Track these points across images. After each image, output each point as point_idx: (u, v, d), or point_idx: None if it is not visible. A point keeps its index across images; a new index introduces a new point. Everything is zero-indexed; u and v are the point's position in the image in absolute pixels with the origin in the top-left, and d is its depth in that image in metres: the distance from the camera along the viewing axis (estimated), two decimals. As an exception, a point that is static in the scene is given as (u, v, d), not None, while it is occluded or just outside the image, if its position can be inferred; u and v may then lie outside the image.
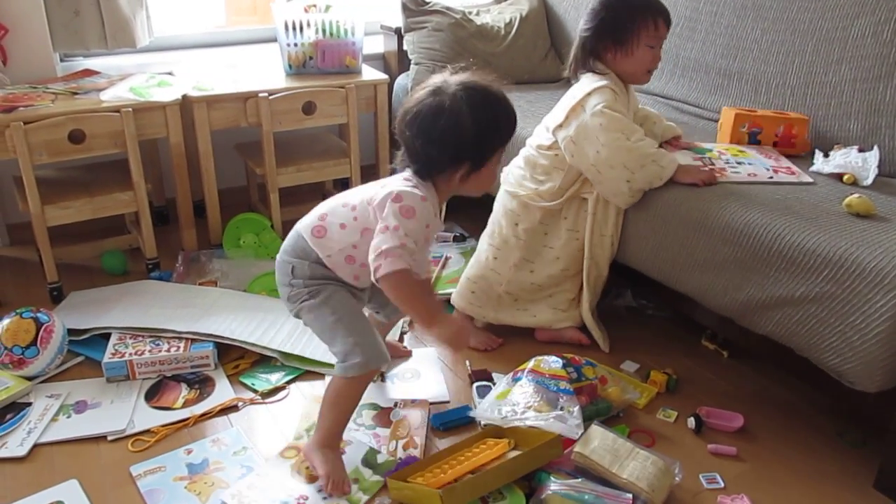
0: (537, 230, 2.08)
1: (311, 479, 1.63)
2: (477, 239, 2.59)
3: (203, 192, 2.57)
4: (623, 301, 2.35)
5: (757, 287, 1.73)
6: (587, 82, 1.97)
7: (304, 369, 2.00)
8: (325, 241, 1.60)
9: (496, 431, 1.72)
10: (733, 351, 2.13)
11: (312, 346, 2.02)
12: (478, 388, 1.93)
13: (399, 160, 1.62)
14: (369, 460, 1.70)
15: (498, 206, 2.16)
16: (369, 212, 1.56)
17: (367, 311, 1.84)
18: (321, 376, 1.99)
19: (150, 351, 1.96)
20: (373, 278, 1.50)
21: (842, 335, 1.58)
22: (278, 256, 1.68)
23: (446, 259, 2.55)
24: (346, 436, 1.72)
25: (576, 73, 2.04)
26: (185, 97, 2.43)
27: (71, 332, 2.06)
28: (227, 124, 2.50)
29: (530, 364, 1.83)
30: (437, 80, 1.55)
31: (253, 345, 2.01)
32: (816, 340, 1.63)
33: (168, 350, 1.96)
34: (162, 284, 2.37)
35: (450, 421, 1.82)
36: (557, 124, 1.99)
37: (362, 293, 1.71)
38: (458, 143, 1.51)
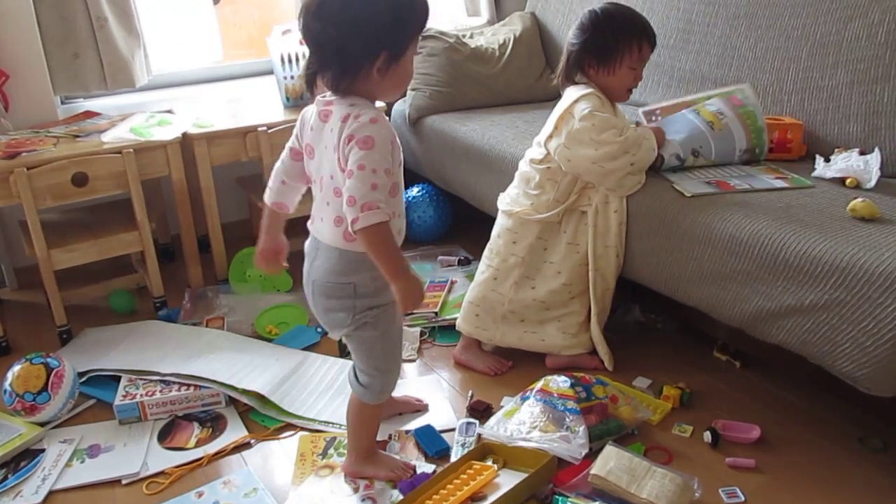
0: (536, 246, 2.08)
1: (354, 490, 1.69)
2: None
3: (207, 227, 2.58)
4: (631, 317, 2.34)
5: (765, 297, 1.72)
6: (572, 92, 2.00)
7: (281, 420, 1.93)
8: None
9: (479, 453, 1.72)
10: (746, 361, 2.11)
11: (292, 395, 2.00)
12: (464, 423, 1.88)
13: (304, 73, 1.44)
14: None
15: (495, 227, 2.17)
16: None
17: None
18: (332, 407, 1.98)
19: (160, 391, 1.96)
20: (350, 229, 1.40)
21: (854, 341, 1.57)
22: (323, 279, 1.53)
23: (452, 283, 2.54)
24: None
25: (563, 84, 2.06)
26: (185, 135, 2.44)
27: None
28: (227, 159, 2.51)
29: (539, 384, 1.83)
30: None
31: (231, 387, 1.96)
32: (829, 348, 1.62)
33: (179, 390, 1.96)
34: (164, 325, 2.37)
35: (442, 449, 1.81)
36: (548, 135, 2.01)
37: None
38: (375, 28, 1.36)
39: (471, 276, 2.44)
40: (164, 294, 2.50)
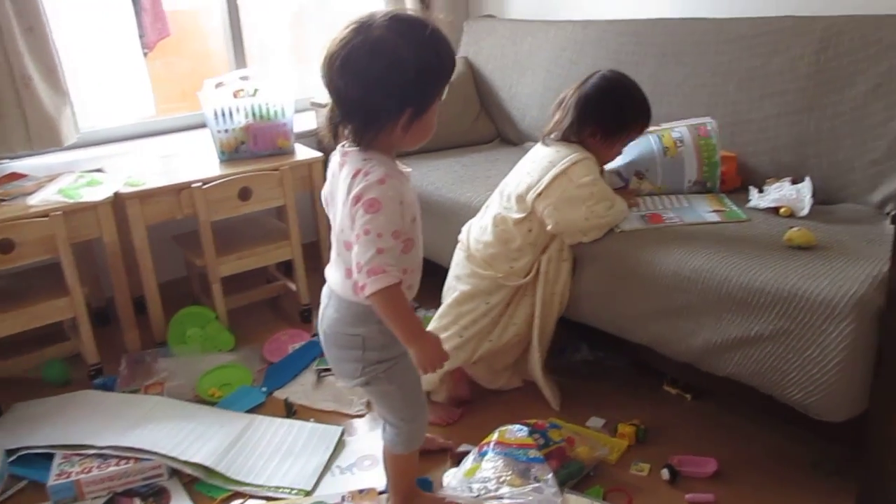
0: (507, 304, 2.05)
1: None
2: (426, 308, 2.56)
3: (143, 288, 2.49)
4: (580, 355, 2.32)
5: (712, 330, 1.73)
6: (567, 152, 1.97)
7: (229, 490, 1.84)
8: None
9: None
10: (696, 392, 2.12)
11: (239, 462, 1.92)
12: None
13: (328, 123, 1.41)
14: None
15: (460, 284, 2.08)
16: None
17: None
18: (282, 470, 1.91)
19: (98, 467, 1.85)
20: (361, 295, 1.38)
21: (801, 369, 1.58)
22: (332, 329, 1.53)
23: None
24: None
25: (550, 138, 2.02)
26: (116, 195, 2.36)
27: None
28: (162, 218, 2.44)
29: (495, 436, 1.79)
30: (360, 16, 1.34)
31: (173, 459, 1.87)
32: (778, 377, 1.63)
33: (118, 464, 1.86)
34: (100, 395, 2.25)
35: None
36: (538, 193, 1.95)
37: None
38: (401, 87, 1.32)
39: (418, 324, 2.41)
40: (99, 361, 2.39)
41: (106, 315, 2.77)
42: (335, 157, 1.47)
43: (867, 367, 1.53)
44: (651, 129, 2.18)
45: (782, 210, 2.00)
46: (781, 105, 2.19)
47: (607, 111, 1.97)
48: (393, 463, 1.69)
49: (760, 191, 2.11)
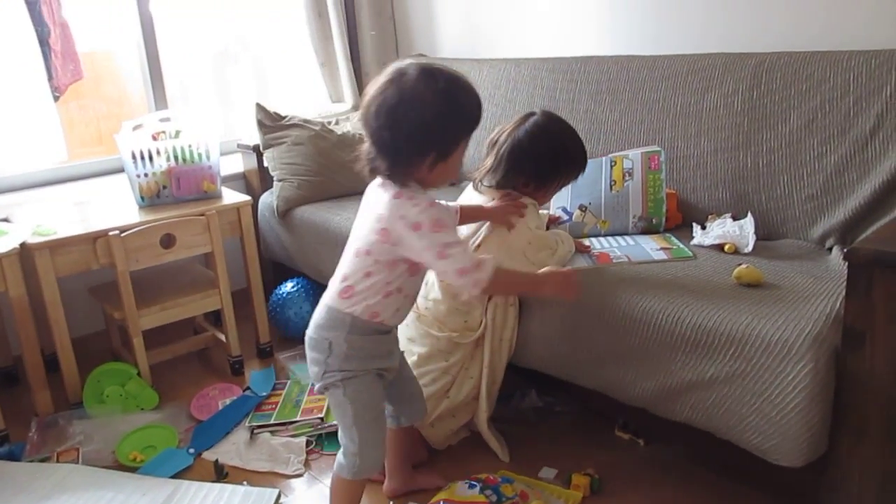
0: (463, 360, 1.95)
1: None
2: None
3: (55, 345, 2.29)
4: (529, 402, 2.23)
5: (665, 374, 1.67)
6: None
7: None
8: (355, 298, 1.56)
9: None
10: (649, 436, 2.05)
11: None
12: None
13: (365, 159, 1.54)
14: None
15: (416, 347, 1.97)
16: (386, 249, 1.53)
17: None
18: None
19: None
20: (475, 293, 1.55)
21: (759, 412, 1.53)
22: (310, 332, 1.61)
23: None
24: None
25: (480, 183, 1.95)
26: (23, 245, 2.18)
27: None
28: (76, 269, 2.25)
29: (444, 493, 1.68)
30: (397, 65, 1.51)
31: None
32: (735, 421, 1.58)
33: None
34: (4, 465, 2.03)
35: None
36: (476, 245, 1.88)
37: (389, 363, 1.66)
38: (424, 135, 1.47)
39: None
40: (4, 427, 2.18)
41: (13, 376, 2.56)
42: (371, 187, 1.60)
43: (826, 409, 1.48)
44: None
45: (727, 247, 1.97)
46: (718, 141, 2.19)
47: (542, 163, 1.90)
48: (335, 485, 1.68)
49: (703, 227, 2.09)
